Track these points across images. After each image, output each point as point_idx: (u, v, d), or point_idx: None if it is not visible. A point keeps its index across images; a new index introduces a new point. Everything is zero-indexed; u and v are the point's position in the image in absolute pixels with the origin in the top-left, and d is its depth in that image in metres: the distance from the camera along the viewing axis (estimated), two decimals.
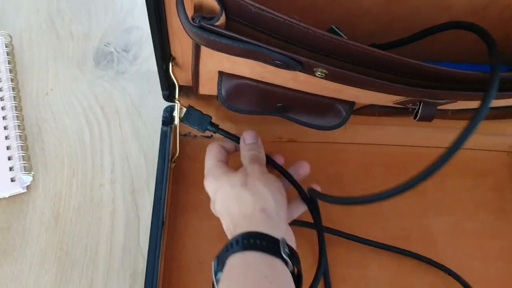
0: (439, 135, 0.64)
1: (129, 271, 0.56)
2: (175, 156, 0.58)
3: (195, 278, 0.56)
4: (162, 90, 0.56)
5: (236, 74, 0.48)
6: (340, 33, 0.45)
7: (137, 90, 0.69)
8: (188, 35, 0.39)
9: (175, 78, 0.53)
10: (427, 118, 0.44)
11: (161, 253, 0.51)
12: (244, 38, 0.37)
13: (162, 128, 0.57)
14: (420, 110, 0.44)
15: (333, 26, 0.45)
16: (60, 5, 0.75)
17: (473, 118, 0.35)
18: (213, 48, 0.39)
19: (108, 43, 0.73)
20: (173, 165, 0.59)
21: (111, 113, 0.66)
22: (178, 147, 0.57)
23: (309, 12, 0.47)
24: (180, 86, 0.57)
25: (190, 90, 0.57)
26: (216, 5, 0.36)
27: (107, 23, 0.74)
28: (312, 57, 0.39)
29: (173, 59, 0.52)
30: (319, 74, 0.40)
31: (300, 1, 0.44)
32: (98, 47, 0.72)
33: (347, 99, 0.50)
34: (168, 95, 0.57)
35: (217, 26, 0.37)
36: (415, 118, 0.45)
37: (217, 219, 0.59)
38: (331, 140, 0.64)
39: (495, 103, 0.48)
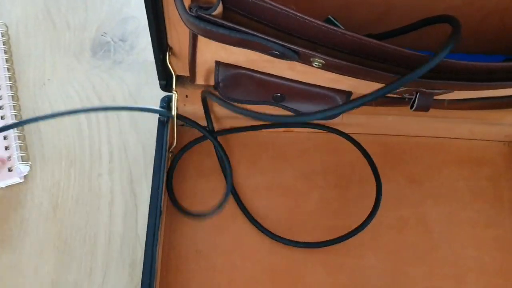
0: (436, 124, 0.64)
1: (128, 260, 0.56)
2: (173, 146, 0.59)
3: (192, 267, 0.56)
4: (159, 80, 0.56)
5: (233, 63, 0.48)
6: (337, 23, 0.45)
7: (134, 80, 0.69)
8: (185, 24, 0.39)
9: (172, 68, 0.53)
10: (423, 108, 0.45)
11: (159, 242, 0.52)
12: (241, 28, 0.37)
13: (159, 118, 0.57)
14: (416, 100, 0.44)
15: (329, 16, 0.45)
16: None
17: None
18: (210, 38, 0.40)
19: (105, 33, 0.73)
20: (170, 155, 0.59)
21: (109, 103, 0.66)
22: (175, 137, 0.58)
23: (306, 2, 0.47)
24: (177, 76, 0.57)
25: (186, 80, 0.57)
26: None
27: (103, 13, 0.74)
28: (309, 47, 0.39)
29: (170, 49, 0.52)
30: (316, 64, 0.40)
31: None
32: (95, 37, 0.72)
33: (344, 89, 0.50)
34: (165, 85, 0.57)
35: (214, 16, 0.37)
36: (411, 108, 0.45)
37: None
38: (328, 130, 0.64)
39: (492, 93, 0.48)
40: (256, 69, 0.48)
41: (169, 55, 0.52)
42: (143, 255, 0.50)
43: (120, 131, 0.64)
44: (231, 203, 0.60)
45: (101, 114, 0.65)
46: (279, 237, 0.58)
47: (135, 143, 0.63)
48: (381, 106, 0.56)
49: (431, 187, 0.64)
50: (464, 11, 0.48)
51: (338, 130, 0.64)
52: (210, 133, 0.60)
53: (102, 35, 0.72)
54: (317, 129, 0.64)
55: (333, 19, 0.45)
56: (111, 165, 0.62)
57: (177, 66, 0.55)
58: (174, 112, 0.53)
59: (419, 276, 0.58)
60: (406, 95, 0.46)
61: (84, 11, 0.74)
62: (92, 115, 0.65)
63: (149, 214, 0.52)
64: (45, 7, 0.73)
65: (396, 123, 0.63)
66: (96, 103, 0.66)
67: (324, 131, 0.64)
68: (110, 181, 0.61)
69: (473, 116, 0.62)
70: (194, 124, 0.59)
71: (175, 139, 0.58)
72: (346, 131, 0.64)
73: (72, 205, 0.59)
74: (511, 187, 0.65)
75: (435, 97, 0.47)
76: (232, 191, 0.60)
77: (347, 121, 0.62)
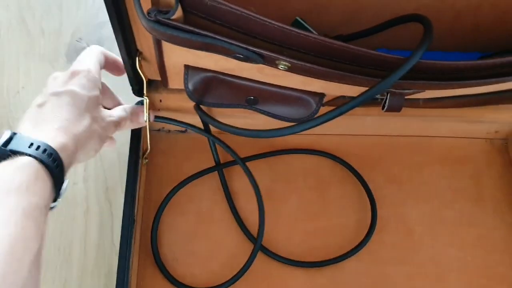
0: (415, 124, 0.63)
1: (104, 270, 0.56)
2: (147, 152, 0.58)
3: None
4: (131, 85, 0.55)
5: (202, 67, 0.47)
6: (305, 24, 0.44)
7: (110, 85, 0.66)
8: (146, 29, 0.39)
9: (143, 73, 0.52)
10: (395, 108, 0.44)
11: (133, 250, 0.51)
12: (201, 32, 0.36)
13: None
14: (387, 101, 0.43)
15: (297, 18, 0.44)
16: (31, 1, 0.73)
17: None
18: (172, 42, 0.39)
19: (80, 38, 0.72)
20: (145, 161, 0.58)
21: None
22: (149, 142, 0.57)
23: (274, 3, 0.46)
24: (150, 81, 0.56)
25: (160, 84, 0.56)
26: None
27: (79, 18, 0.73)
28: (275, 50, 0.39)
29: (140, 53, 0.51)
30: (282, 67, 0.40)
31: None
32: (70, 43, 0.71)
33: (316, 90, 0.50)
34: (138, 90, 0.56)
35: (174, 20, 0.37)
36: (383, 108, 0.44)
37: (191, 215, 0.59)
38: (305, 132, 0.63)
39: (466, 91, 0.48)
40: (225, 72, 0.48)
41: (139, 60, 0.51)
42: None
43: None
44: (210, 208, 0.59)
45: None
46: (276, 254, 0.58)
47: (110, 150, 0.62)
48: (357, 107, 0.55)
49: (411, 187, 0.63)
50: (436, 9, 0.48)
51: (318, 151, 0.64)
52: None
53: (77, 41, 0.71)
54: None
55: (301, 21, 0.44)
56: (86, 173, 0.61)
57: (149, 71, 0.54)
58: (146, 117, 0.52)
59: (400, 277, 0.58)
60: (378, 96, 0.46)
61: (59, 17, 0.73)
62: None
63: (122, 223, 0.51)
64: (19, 13, 0.72)
65: (375, 124, 0.63)
66: None
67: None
68: (85, 190, 0.60)
69: (453, 114, 0.61)
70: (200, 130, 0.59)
71: (148, 145, 0.57)
72: (324, 133, 0.63)
73: None
74: (493, 185, 0.65)
75: (409, 97, 0.46)
76: (234, 212, 0.59)
77: (325, 123, 0.61)
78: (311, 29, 0.45)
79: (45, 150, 0.38)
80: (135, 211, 0.52)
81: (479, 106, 0.56)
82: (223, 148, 0.59)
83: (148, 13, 0.36)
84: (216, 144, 0.60)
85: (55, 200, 0.40)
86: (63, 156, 0.39)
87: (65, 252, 0.56)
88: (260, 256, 0.57)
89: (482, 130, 0.66)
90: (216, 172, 0.60)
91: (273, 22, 0.35)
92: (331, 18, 0.47)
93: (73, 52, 0.70)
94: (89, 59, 0.48)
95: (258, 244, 0.56)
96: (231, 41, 0.36)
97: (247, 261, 0.55)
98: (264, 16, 0.36)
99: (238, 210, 0.59)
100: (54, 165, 0.38)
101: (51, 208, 0.40)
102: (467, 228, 0.61)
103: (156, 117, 0.57)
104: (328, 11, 0.47)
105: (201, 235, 0.58)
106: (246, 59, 0.39)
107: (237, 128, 0.47)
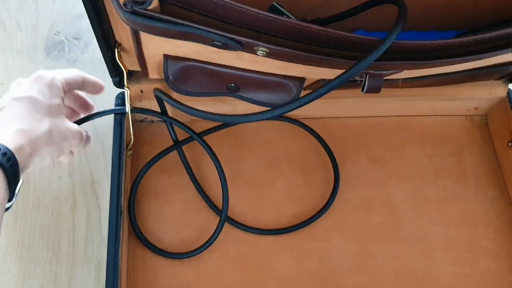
0: (396, 103, 0.64)
1: (93, 262, 0.56)
2: (131, 143, 0.58)
3: (159, 264, 0.56)
4: (111, 77, 0.55)
5: (181, 56, 0.47)
6: (282, 9, 0.44)
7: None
8: (123, 20, 0.39)
9: (122, 65, 0.52)
10: (374, 89, 0.44)
11: (122, 241, 0.51)
12: (178, 21, 0.36)
13: (114, 116, 0.56)
14: (366, 82, 0.44)
15: (274, 3, 0.44)
16: None
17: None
18: (149, 32, 0.39)
19: (58, 31, 0.71)
20: (129, 152, 0.58)
21: None
22: (132, 133, 0.57)
23: None
24: (130, 72, 0.56)
25: (141, 75, 0.56)
26: None
27: (55, 11, 0.72)
28: (252, 36, 0.39)
29: (118, 45, 0.51)
30: (260, 53, 0.40)
31: None
32: (48, 37, 0.70)
33: (297, 75, 0.50)
34: (119, 82, 0.56)
35: (150, 10, 0.37)
36: (362, 90, 0.45)
37: (178, 205, 0.59)
38: (289, 115, 0.64)
39: (443, 69, 0.48)
40: (205, 60, 0.48)
41: (118, 51, 0.51)
42: None
43: None
44: (194, 196, 0.60)
45: None
46: (245, 226, 0.58)
47: (94, 142, 0.62)
48: (338, 90, 0.56)
49: (394, 166, 0.64)
50: None
51: (291, 118, 0.64)
52: (194, 133, 0.59)
53: (55, 34, 0.71)
54: (270, 119, 0.64)
55: (278, 6, 0.44)
56: (71, 167, 0.60)
57: (129, 62, 0.54)
58: (127, 108, 0.53)
59: (387, 256, 0.59)
60: (358, 78, 0.46)
61: (36, 10, 0.72)
62: None
63: (109, 215, 0.51)
64: None
65: (356, 105, 0.63)
66: None
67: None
68: (71, 184, 0.59)
69: (433, 93, 0.62)
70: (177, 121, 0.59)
71: (132, 136, 0.57)
72: (307, 116, 0.64)
73: (34, 211, 0.58)
74: (474, 161, 0.66)
75: (388, 77, 0.47)
76: (196, 185, 0.59)
77: (307, 106, 0.62)
78: (288, 14, 0.45)
79: None
80: (122, 202, 0.52)
81: (457, 83, 0.57)
82: (179, 126, 0.59)
83: (125, 4, 0.36)
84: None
85: (10, 200, 0.41)
86: (19, 157, 0.40)
87: (54, 247, 0.56)
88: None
89: (462, 107, 0.67)
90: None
91: (249, 8, 0.36)
92: (308, 2, 0.47)
93: (51, 46, 0.70)
94: (59, 72, 0.49)
95: (223, 215, 0.56)
96: (208, 29, 0.37)
97: (213, 232, 0.56)
98: (240, 3, 0.36)
99: (210, 189, 0.60)
100: (8, 165, 0.39)
101: (7, 209, 0.41)
102: (450, 204, 0.62)
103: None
104: None
105: (188, 225, 0.58)
106: (224, 46, 0.39)
107: (203, 112, 0.47)
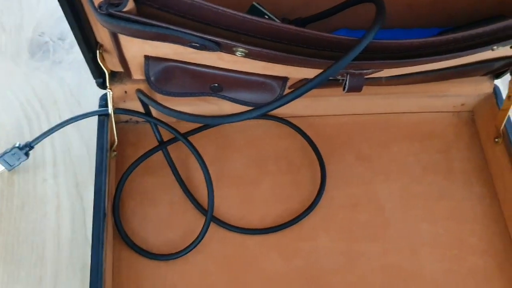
0: (381, 101, 0.64)
1: (79, 265, 0.55)
2: (115, 145, 0.57)
3: (144, 266, 0.55)
4: (94, 78, 0.54)
5: (162, 57, 0.47)
6: (262, 9, 0.44)
7: (76, 79, 0.67)
8: (99, 22, 0.38)
9: (104, 66, 0.51)
10: (355, 88, 0.44)
11: (106, 243, 0.51)
12: (154, 22, 0.36)
13: (98, 117, 0.56)
14: (347, 82, 0.44)
15: (254, 3, 0.44)
16: None
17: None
18: (126, 34, 0.39)
19: (42, 32, 0.70)
20: (113, 154, 0.58)
21: (50, 104, 0.65)
22: (116, 135, 0.56)
23: None
24: (114, 72, 0.56)
25: (124, 76, 0.56)
26: None
27: (39, 12, 0.72)
28: (231, 36, 0.38)
29: (100, 46, 0.50)
30: (239, 54, 0.40)
31: None
32: (32, 38, 0.70)
33: (279, 74, 0.50)
34: (102, 83, 0.55)
35: (126, 12, 0.36)
36: (344, 89, 0.44)
37: (163, 206, 0.59)
38: (275, 114, 0.64)
39: (426, 67, 0.48)
40: (185, 60, 0.47)
41: (100, 52, 0.51)
42: None
43: (63, 132, 0.62)
44: (180, 197, 0.59)
45: (43, 117, 0.64)
46: (231, 226, 0.58)
47: (79, 144, 0.62)
48: (322, 88, 0.56)
49: (381, 164, 0.64)
50: None
51: (277, 117, 0.63)
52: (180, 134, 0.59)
53: (39, 35, 0.70)
54: (255, 118, 0.63)
55: (258, 6, 0.44)
56: (55, 168, 0.60)
57: (112, 63, 0.53)
58: (110, 110, 0.52)
59: (374, 254, 0.59)
60: (339, 77, 0.46)
61: (19, 11, 0.72)
62: (33, 118, 0.63)
63: (93, 217, 0.51)
64: None
65: (342, 103, 0.63)
66: (37, 106, 0.64)
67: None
68: (55, 186, 0.59)
69: (419, 90, 0.62)
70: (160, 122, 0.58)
71: (116, 137, 0.57)
72: (293, 115, 0.64)
73: (18, 213, 0.57)
74: (462, 158, 0.66)
75: (370, 76, 0.46)
76: (181, 185, 0.59)
77: (293, 105, 0.61)
78: (269, 14, 0.44)
79: None
80: (106, 204, 0.52)
81: (440, 81, 0.56)
82: (163, 127, 0.59)
83: (100, 6, 0.36)
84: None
85: None
86: None
87: (38, 249, 0.56)
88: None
89: (448, 104, 0.67)
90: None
91: (225, 9, 0.35)
92: (289, 1, 0.47)
93: (36, 47, 0.69)
94: None
95: (209, 215, 0.56)
96: (184, 30, 0.36)
97: (199, 233, 0.56)
98: (219, 3, 0.36)
99: (196, 189, 0.60)
100: None
101: None
102: (438, 201, 0.62)
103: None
104: None
105: (174, 226, 0.58)
106: (202, 47, 0.39)
107: (184, 113, 0.46)
